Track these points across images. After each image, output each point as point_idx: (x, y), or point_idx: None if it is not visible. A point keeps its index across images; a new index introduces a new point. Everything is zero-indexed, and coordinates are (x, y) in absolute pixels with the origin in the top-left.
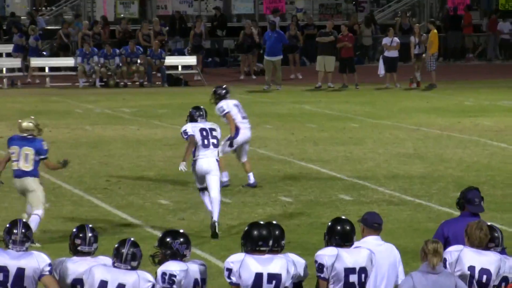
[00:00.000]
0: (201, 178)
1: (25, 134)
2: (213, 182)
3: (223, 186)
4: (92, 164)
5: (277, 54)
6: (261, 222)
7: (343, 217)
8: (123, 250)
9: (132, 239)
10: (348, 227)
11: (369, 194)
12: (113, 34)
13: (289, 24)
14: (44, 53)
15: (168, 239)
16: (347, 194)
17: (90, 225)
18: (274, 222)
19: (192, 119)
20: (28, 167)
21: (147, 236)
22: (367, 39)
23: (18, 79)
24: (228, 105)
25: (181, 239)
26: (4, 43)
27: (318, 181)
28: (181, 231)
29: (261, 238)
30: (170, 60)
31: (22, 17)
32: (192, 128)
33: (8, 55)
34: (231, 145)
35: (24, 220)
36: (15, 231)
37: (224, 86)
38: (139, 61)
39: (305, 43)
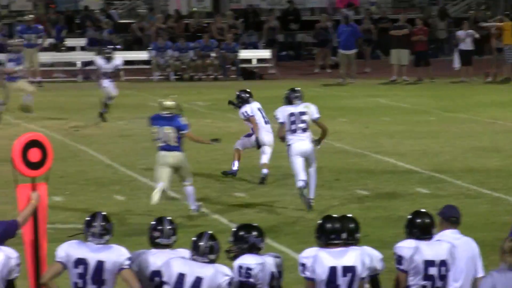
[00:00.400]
0: (298, 162)
1: (165, 113)
2: (309, 159)
3: (230, 174)
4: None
5: (351, 48)
6: (334, 215)
7: (423, 210)
8: (200, 243)
9: (209, 232)
10: (427, 220)
11: (446, 187)
12: (187, 27)
13: (362, 18)
14: (118, 46)
15: (242, 233)
16: (424, 187)
17: (169, 218)
18: (349, 215)
19: (288, 101)
20: (173, 144)
21: (224, 229)
22: (441, 32)
23: (92, 73)
24: (253, 109)
25: (256, 232)
26: (77, 37)
27: (395, 174)
28: (254, 224)
29: (333, 231)
30: (244, 54)
31: (95, 11)
32: (282, 114)
33: (82, 48)
34: (258, 146)
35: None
36: (94, 223)
37: (247, 90)
38: (213, 54)
39: (378, 37)
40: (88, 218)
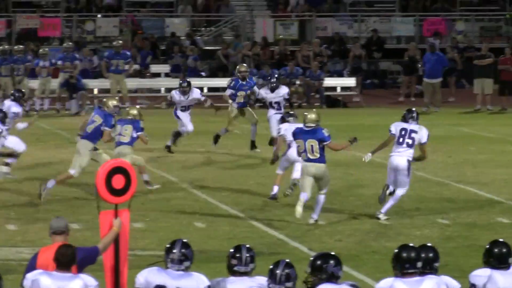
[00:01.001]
0: (390, 174)
1: (310, 126)
2: (400, 180)
3: (271, 199)
4: (250, 185)
5: (437, 76)
6: (410, 245)
7: (501, 239)
8: (277, 271)
9: (287, 260)
10: (504, 250)
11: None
12: (272, 55)
13: (447, 46)
14: (203, 73)
15: (320, 263)
16: (506, 217)
17: (247, 245)
18: (429, 244)
19: (404, 119)
20: (316, 156)
21: (303, 257)
22: None
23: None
24: (287, 128)
25: (333, 261)
26: (162, 63)
27: (476, 203)
28: (332, 252)
29: (408, 260)
30: (329, 81)
31: (181, 38)
32: (395, 127)
33: (167, 75)
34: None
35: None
36: (174, 250)
37: (293, 112)
38: (298, 82)
39: (464, 66)
40: (168, 245)
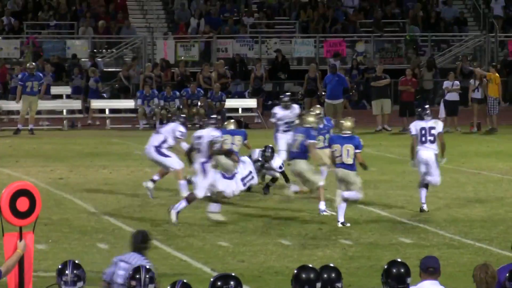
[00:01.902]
0: (421, 167)
1: (345, 133)
2: (431, 172)
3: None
4: (152, 206)
5: (338, 97)
6: (310, 265)
7: (399, 259)
8: None
9: (184, 280)
10: (402, 270)
11: (429, 237)
12: (173, 76)
13: (349, 68)
14: (104, 95)
15: (220, 284)
16: (407, 237)
17: (147, 266)
18: (331, 264)
19: (419, 117)
20: (349, 160)
21: (206, 278)
22: (428, 83)
23: (78, 121)
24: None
25: (234, 282)
26: (64, 84)
27: (378, 224)
28: (231, 274)
29: (307, 282)
30: (230, 103)
31: (82, 59)
32: (415, 127)
33: (68, 96)
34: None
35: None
36: (66, 271)
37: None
38: (199, 103)
39: (365, 87)
40: (60, 267)
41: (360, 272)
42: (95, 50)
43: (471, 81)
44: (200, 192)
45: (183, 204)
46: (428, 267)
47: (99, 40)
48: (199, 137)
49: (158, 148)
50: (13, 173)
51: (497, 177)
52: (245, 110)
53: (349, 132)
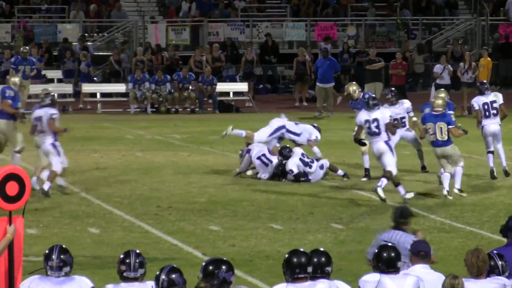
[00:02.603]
0: (488, 140)
1: (436, 111)
2: (497, 141)
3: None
4: (143, 190)
5: (329, 81)
6: (301, 249)
7: (389, 244)
8: (162, 276)
9: (173, 265)
10: (392, 254)
11: (420, 221)
12: (163, 60)
13: (340, 51)
14: (95, 79)
15: (212, 268)
16: None
17: (137, 251)
18: (322, 249)
19: (480, 93)
20: (444, 137)
21: (197, 262)
22: (419, 66)
23: (69, 105)
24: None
25: (225, 267)
26: (55, 69)
27: (369, 208)
28: (224, 258)
29: (298, 266)
30: (221, 87)
31: (73, 43)
32: (477, 102)
33: (60, 80)
34: None
35: None
36: (52, 257)
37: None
38: (190, 87)
39: (356, 70)
40: (47, 252)
41: (351, 256)
42: (86, 34)
43: (461, 64)
44: (58, 167)
45: None
46: (419, 251)
47: (90, 24)
48: (39, 118)
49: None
50: (6, 157)
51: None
52: (236, 94)
53: (440, 109)
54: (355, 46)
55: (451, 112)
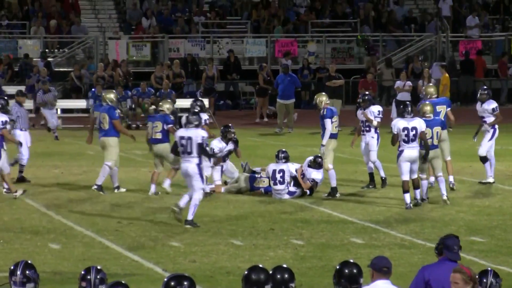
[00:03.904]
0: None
1: (428, 116)
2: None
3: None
4: (104, 205)
5: (290, 97)
6: (261, 266)
7: (351, 260)
8: None
9: (122, 281)
10: (354, 270)
11: (381, 237)
12: (125, 76)
13: (300, 68)
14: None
15: (174, 284)
16: (359, 237)
17: (99, 267)
18: (284, 265)
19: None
20: (436, 142)
21: (158, 278)
22: (387, 80)
23: (30, 121)
24: None
25: (187, 283)
26: (16, 84)
27: (330, 224)
28: (185, 274)
29: (257, 283)
30: (182, 103)
31: (34, 59)
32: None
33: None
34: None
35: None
36: (16, 272)
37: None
38: (150, 101)
39: (317, 86)
40: (12, 267)
41: (312, 272)
42: (47, 50)
43: (420, 81)
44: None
45: None
46: (382, 267)
47: (51, 40)
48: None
49: None
50: None
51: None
52: None
53: (430, 115)
54: (315, 63)
55: None
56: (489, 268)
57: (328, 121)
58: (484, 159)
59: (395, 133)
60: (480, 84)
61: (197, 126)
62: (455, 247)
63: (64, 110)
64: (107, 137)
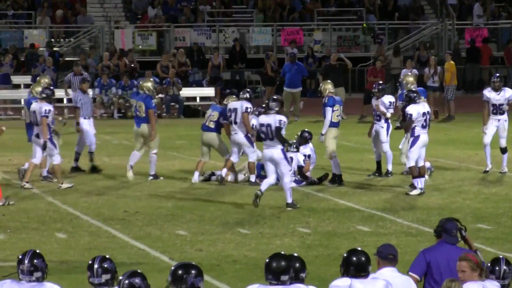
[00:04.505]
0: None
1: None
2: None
3: None
4: (110, 195)
5: (297, 86)
6: (282, 254)
7: (359, 248)
8: (125, 281)
9: (134, 270)
10: (363, 258)
11: (387, 225)
12: (126, 65)
13: (305, 56)
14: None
15: (181, 273)
16: (365, 225)
17: (104, 256)
18: (295, 254)
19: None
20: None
21: (165, 267)
22: (395, 69)
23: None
24: None
25: (195, 271)
26: (22, 74)
27: (336, 212)
28: (193, 263)
29: (277, 271)
30: (188, 92)
31: (40, 49)
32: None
33: (26, 86)
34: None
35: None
36: (24, 261)
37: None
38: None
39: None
40: (20, 256)
41: (318, 260)
42: (52, 40)
43: (426, 69)
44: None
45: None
46: (388, 254)
47: (56, 30)
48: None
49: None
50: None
51: (454, 165)
52: (203, 99)
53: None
54: (321, 51)
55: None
56: (500, 256)
57: (328, 110)
58: (504, 150)
59: (414, 119)
60: (486, 72)
61: (277, 112)
62: (453, 231)
63: (70, 100)
64: (146, 124)
